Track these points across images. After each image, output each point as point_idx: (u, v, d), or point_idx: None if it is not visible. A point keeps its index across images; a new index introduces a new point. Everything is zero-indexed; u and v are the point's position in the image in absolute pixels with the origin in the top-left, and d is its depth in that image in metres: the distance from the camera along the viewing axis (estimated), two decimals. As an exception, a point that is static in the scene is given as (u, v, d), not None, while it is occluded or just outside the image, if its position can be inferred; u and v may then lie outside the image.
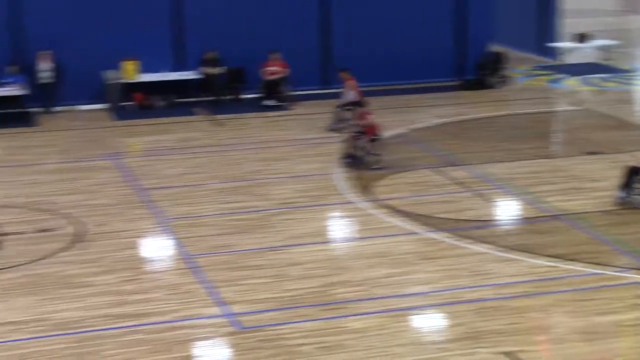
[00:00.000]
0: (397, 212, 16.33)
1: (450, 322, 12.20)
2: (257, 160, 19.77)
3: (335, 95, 22.87)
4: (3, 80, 23.25)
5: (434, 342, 11.61)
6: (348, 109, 21.70)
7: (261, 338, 11.64)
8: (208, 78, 24.67)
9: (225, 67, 24.65)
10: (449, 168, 18.89)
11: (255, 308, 12.55)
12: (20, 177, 18.73)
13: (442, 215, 16.16)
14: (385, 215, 16.22)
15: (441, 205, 16.71)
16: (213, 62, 24.65)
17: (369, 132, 19.07)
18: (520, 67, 29.05)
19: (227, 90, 25.00)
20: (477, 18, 26.82)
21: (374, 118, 19.37)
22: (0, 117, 22.85)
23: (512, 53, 29.03)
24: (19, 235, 15.31)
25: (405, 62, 26.25)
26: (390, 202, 16.85)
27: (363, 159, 19.01)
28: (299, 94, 24.64)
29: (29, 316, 12.25)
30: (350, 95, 21.85)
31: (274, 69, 24.54)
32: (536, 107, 24.60)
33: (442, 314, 12.44)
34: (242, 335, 11.75)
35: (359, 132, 19.19)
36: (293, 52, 24.70)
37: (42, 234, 15.43)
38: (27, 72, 23.54)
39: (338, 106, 22.10)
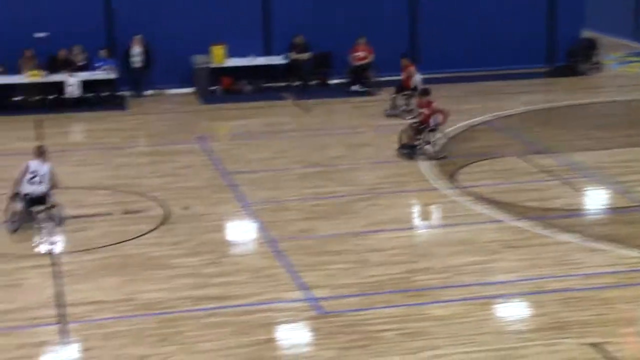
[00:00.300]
0: (482, 199, 16.13)
1: (534, 312, 12.00)
2: (343, 145, 19.74)
3: (424, 81, 22.72)
4: (96, 64, 23.67)
5: (517, 332, 11.42)
6: (405, 95, 21.65)
7: (342, 323, 11.62)
8: (295, 63, 24.72)
9: (311, 53, 24.68)
10: (536, 156, 18.57)
11: (337, 293, 12.53)
12: (110, 159, 19.06)
13: (528, 204, 15.90)
14: (470, 203, 16.03)
15: (527, 194, 16.44)
16: (301, 47, 24.69)
17: (430, 122, 18.58)
18: (614, 53, 28.43)
19: (314, 75, 25.02)
20: (569, 3, 26.29)
21: (438, 107, 18.91)
22: (92, 99, 23.32)
23: (606, 39, 28.40)
24: (107, 217, 15.58)
25: (494, 48, 25.90)
26: (475, 190, 16.64)
27: (422, 149, 18.56)
28: (386, 80, 24.49)
29: (114, 296, 12.45)
30: (414, 81, 21.77)
31: (362, 54, 24.47)
32: (628, 94, 24.03)
33: (526, 303, 12.24)
34: (324, 320, 11.74)
35: (420, 121, 18.77)
36: (380, 37, 24.58)
37: (129, 215, 15.67)
38: (119, 56, 23.93)
39: (395, 92, 22.13)
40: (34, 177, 14.72)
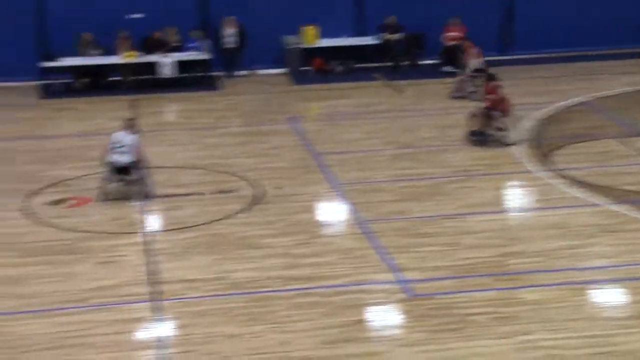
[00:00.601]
0: (577, 182, 15.80)
1: (630, 299, 11.71)
2: (434, 126, 19.56)
3: (516, 62, 22.37)
4: (189, 45, 23.90)
5: (612, 318, 11.17)
6: (472, 77, 21.28)
7: (433, 306, 11.52)
8: (387, 43, 24.56)
9: (404, 34, 24.48)
10: (634, 138, 18.10)
11: (428, 275, 12.43)
12: (202, 139, 19.23)
13: (625, 187, 15.51)
14: (565, 186, 15.71)
15: (625, 177, 16.05)
16: (393, 28, 24.52)
17: (499, 107, 18.09)
18: None
19: (406, 56, 24.83)
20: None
21: (504, 92, 18.41)
22: (185, 80, 23.56)
23: None
24: (200, 196, 15.73)
25: (592, 26, 25.28)
26: (570, 173, 16.31)
27: (493, 135, 18.07)
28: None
29: (205, 275, 12.57)
30: (475, 63, 21.41)
31: (454, 34, 24.18)
32: None
33: (622, 290, 11.95)
34: (414, 302, 11.66)
35: (489, 107, 18.29)
36: (474, 17, 24.22)
37: (222, 195, 15.80)
38: (212, 37, 24.12)
39: (461, 74, 21.82)
40: (117, 147, 15.18)
